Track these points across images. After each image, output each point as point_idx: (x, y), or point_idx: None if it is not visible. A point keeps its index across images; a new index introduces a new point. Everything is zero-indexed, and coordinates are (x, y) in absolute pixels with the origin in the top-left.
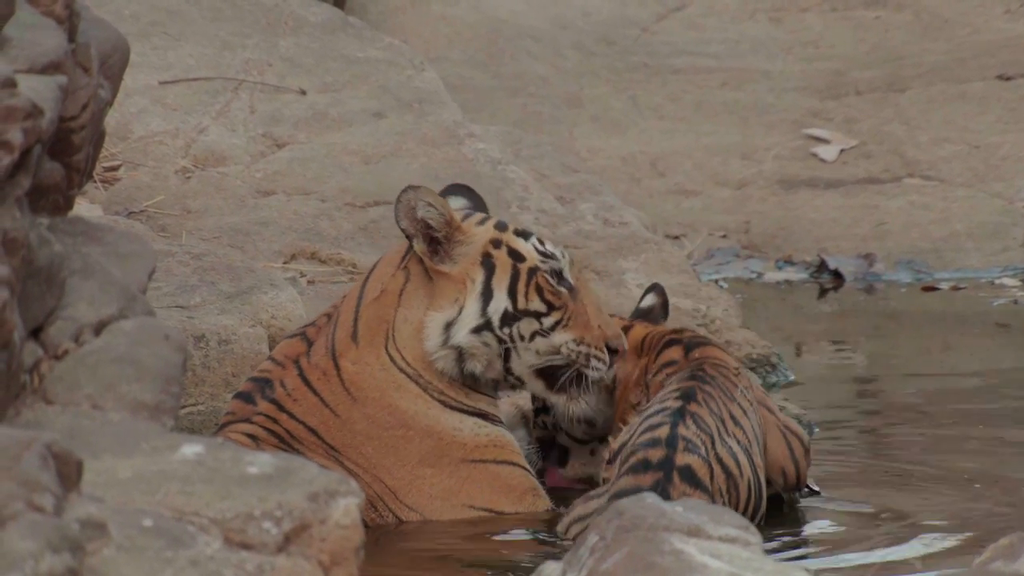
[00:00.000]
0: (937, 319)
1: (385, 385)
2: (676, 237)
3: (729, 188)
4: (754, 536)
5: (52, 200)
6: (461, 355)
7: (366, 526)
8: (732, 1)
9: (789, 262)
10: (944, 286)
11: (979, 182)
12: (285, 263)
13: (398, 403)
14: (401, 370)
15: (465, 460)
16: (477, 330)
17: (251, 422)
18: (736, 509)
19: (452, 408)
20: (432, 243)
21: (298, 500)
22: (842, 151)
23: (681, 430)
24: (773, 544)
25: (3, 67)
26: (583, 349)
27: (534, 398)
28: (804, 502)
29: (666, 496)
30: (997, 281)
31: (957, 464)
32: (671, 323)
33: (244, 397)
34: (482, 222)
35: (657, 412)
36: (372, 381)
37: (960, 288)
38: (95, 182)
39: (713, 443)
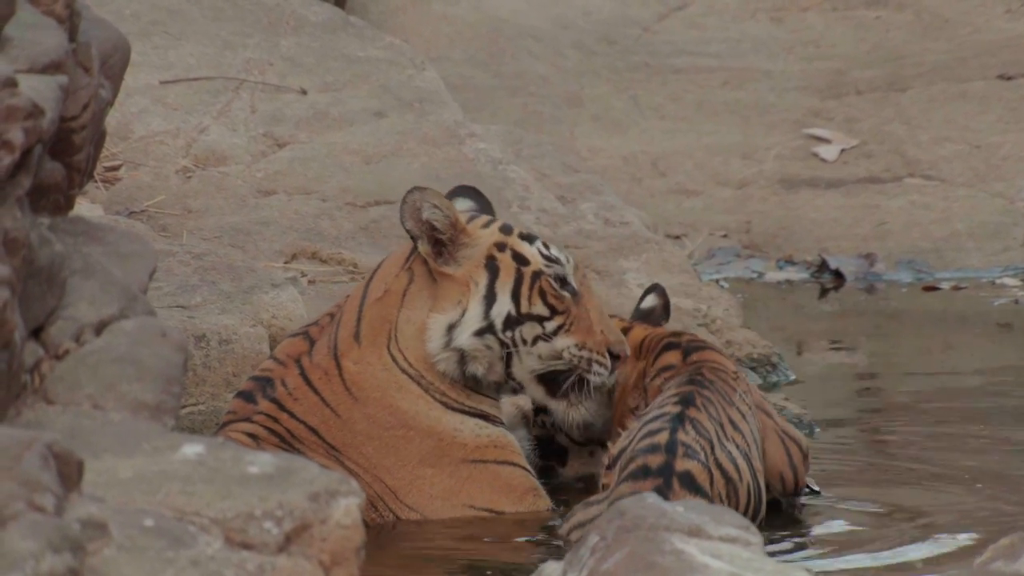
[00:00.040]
0: (938, 319)
1: (387, 385)
2: (677, 237)
3: (730, 188)
4: (755, 536)
5: (53, 200)
6: (463, 357)
7: (366, 526)
8: (733, 1)
9: (790, 262)
10: (945, 286)
11: (980, 182)
12: (286, 263)
13: (399, 403)
14: (403, 371)
15: (466, 460)
16: (480, 333)
17: (252, 421)
18: None
19: (453, 409)
20: (436, 245)
21: (299, 500)
22: (843, 151)
23: (680, 436)
24: (774, 544)
25: (4, 67)
26: (585, 354)
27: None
28: (805, 501)
29: None
30: (998, 281)
31: (958, 463)
32: (672, 323)
33: (245, 396)
34: (487, 225)
35: (656, 417)
36: (374, 381)
37: (961, 288)
38: (96, 182)
39: (712, 448)
